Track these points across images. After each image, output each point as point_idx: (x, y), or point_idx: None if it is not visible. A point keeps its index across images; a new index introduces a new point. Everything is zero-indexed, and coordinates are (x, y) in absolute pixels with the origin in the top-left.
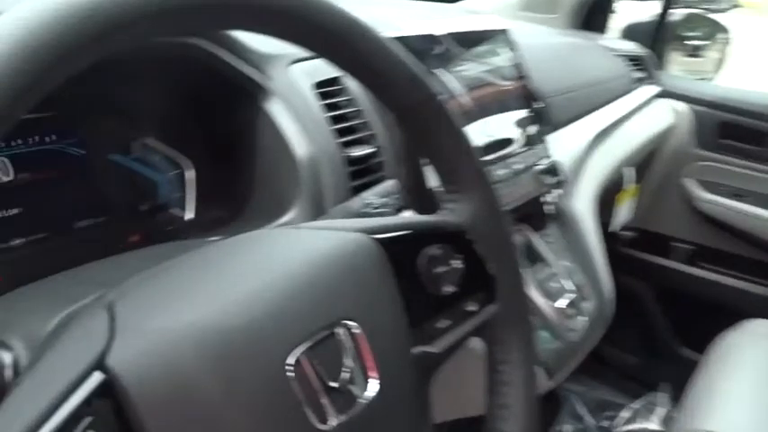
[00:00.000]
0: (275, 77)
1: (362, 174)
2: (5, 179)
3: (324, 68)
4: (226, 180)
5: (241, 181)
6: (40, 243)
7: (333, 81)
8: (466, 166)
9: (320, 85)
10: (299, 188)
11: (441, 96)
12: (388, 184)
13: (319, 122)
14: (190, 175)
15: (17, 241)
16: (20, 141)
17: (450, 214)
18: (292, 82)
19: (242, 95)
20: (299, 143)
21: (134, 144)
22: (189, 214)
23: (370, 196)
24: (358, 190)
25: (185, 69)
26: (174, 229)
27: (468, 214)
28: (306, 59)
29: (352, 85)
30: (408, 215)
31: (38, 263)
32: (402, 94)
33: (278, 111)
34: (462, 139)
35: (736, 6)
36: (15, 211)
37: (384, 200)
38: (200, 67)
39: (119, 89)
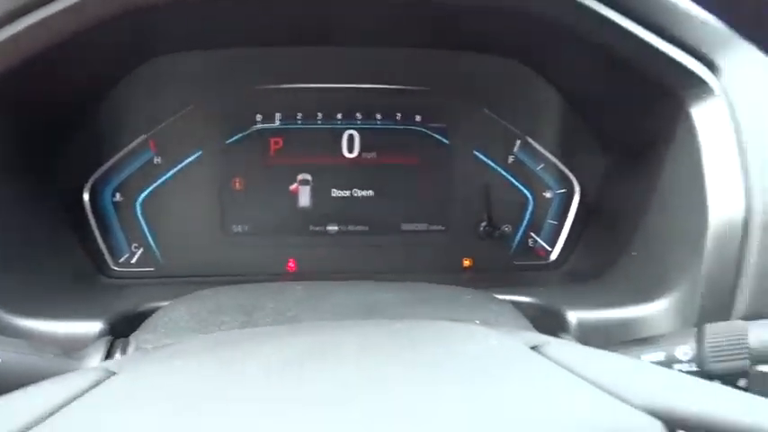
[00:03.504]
0: (724, 69)
1: None
2: (349, 156)
3: None
4: (609, 218)
5: (625, 224)
6: (357, 235)
7: None
8: None
9: None
10: (695, 264)
11: None
12: None
13: None
14: (575, 200)
15: (333, 228)
16: (379, 116)
17: None
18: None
19: (667, 95)
20: (724, 187)
21: (510, 143)
22: (556, 253)
23: None
24: None
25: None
26: (529, 265)
27: None
28: None
29: None
30: None
31: (346, 256)
32: None
33: (709, 128)
34: None
35: None
36: (344, 193)
37: None
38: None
39: (510, 72)
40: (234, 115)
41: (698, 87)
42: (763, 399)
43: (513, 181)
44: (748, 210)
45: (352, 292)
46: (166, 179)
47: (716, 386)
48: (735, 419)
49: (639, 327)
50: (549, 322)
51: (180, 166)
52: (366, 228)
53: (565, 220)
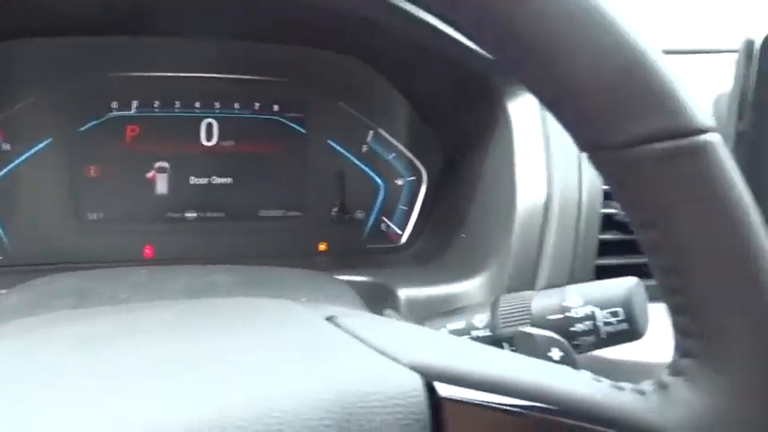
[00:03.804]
0: None
1: (625, 250)
2: (207, 144)
3: None
4: (450, 203)
5: (460, 209)
6: (215, 222)
7: None
8: (748, 305)
9: None
10: (505, 244)
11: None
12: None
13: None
14: (423, 187)
15: (191, 214)
16: (238, 105)
17: (653, 404)
18: None
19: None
20: (530, 176)
21: (363, 134)
22: (406, 236)
23: (578, 294)
24: (606, 273)
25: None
26: (381, 248)
27: (700, 423)
28: None
29: None
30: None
31: (204, 243)
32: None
33: (521, 122)
34: (753, 237)
35: None
36: (203, 180)
37: (593, 311)
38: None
39: (361, 69)
40: (88, 103)
41: (513, 84)
42: (513, 354)
43: (366, 169)
44: (549, 196)
45: (192, 276)
46: (16, 166)
47: (478, 345)
48: (484, 371)
49: (458, 301)
50: (384, 300)
51: (30, 154)
52: (224, 214)
53: (414, 206)
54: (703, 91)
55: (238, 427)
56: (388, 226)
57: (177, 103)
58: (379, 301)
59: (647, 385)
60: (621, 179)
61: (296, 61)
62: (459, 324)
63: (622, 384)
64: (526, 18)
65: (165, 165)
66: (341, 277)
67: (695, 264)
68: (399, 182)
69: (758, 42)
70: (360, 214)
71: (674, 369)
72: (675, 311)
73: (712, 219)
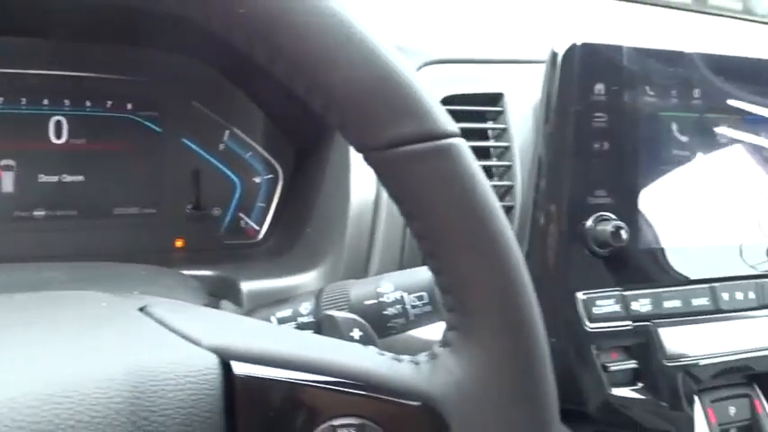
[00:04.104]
0: None
1: None
2: (56, 141)
3: (472, 80)
4: (302, 200)
5: (308, 205)
6: (66, 220)
7: (476, 99)
8: (490, 282)
9: (450, 101)
10: (341, 237)
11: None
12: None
13: None
14: (280, 185)
15: (40, 213)
16: (89, 103)
17: (425, 372)
18: None
19: None
20: (362, 173)
21: (219, 133)
22: (263, 232)
23: (391, 281)
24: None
25: None
26: (239, 244)
27: (461, 388)
28: (448, 62)
29: (513, 112)
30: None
31: (55, 242)
32: (378, 125)
33: None
34: (493, 224)
35: None
36: (52, 178)
37: (402, 295)
38: None
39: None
40: None
41: None
42: (310, 335)
43: (223, 168)
44: (378, 191)
45: (24, 273)
46: None
47: (280, 329)
48: (278, 350)
49: (296, 292)
50: (228, 293)
51: None
52: (76, 212)
53: (272, 203)
54: (528, 97)
55: (28, 407)
56: (247, 222)
57: (23, 100)
58: (224, 294)
59: (422, 356)
60: (386, 177)
61: (148, 61)
62: (287, 312)
63: (402, 357)
64: (289, 35)
65: (12, 162)
66: (194, 272)
67: (448, 249)
68: (257, 180)
69: (560, 54)
70: (216, 211)
71: (444, 341)
72: (442, 289)
73: (458, 210)
